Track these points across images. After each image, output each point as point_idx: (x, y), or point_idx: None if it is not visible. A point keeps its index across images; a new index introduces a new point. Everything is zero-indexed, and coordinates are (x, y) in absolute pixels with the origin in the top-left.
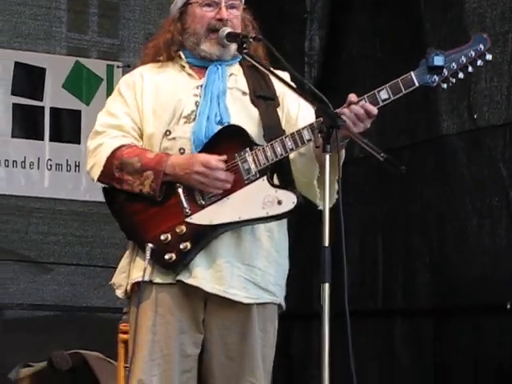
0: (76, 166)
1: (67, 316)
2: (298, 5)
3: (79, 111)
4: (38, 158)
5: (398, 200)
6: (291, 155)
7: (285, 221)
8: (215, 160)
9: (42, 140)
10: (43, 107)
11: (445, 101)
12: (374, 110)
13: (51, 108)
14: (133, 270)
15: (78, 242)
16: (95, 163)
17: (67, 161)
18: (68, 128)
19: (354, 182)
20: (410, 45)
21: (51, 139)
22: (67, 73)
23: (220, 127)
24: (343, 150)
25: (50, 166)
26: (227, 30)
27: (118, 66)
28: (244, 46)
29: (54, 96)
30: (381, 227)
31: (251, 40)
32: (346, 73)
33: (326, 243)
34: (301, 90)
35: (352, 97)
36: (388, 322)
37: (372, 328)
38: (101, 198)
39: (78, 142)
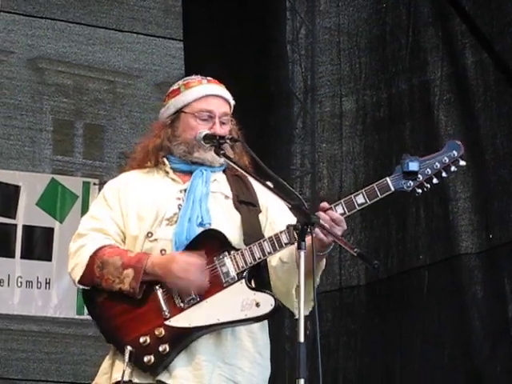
0: (46, 283)
1: None
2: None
3: (52, 229)
4: (8, 275)
5: None
6: (274, 262)
7: (266, 322)
8: (194, 260)
9: (13, 257)
10: (15, 225)
11: None
12: (340, 217)
13: (24, 226)
14: (114, 371)
15: (47, 359)
16: (77, 264)
17: (37, 278)
18: (40, 245)
19: None
20: None
21: (22, 256)
22: (42, 190)
23: (201, 229)
24: (323, 260)
25: (21, 283)
26: (204, 131)
27: (94, 184)
28: (221, 147)
29: (28, 213)
30: None
31: (227, 141)
32: None
33: (302, 339)
34: (277, 189)
35: (324, 205)
36: None
37: None
38: (71, 314)
39: (50, 259)
